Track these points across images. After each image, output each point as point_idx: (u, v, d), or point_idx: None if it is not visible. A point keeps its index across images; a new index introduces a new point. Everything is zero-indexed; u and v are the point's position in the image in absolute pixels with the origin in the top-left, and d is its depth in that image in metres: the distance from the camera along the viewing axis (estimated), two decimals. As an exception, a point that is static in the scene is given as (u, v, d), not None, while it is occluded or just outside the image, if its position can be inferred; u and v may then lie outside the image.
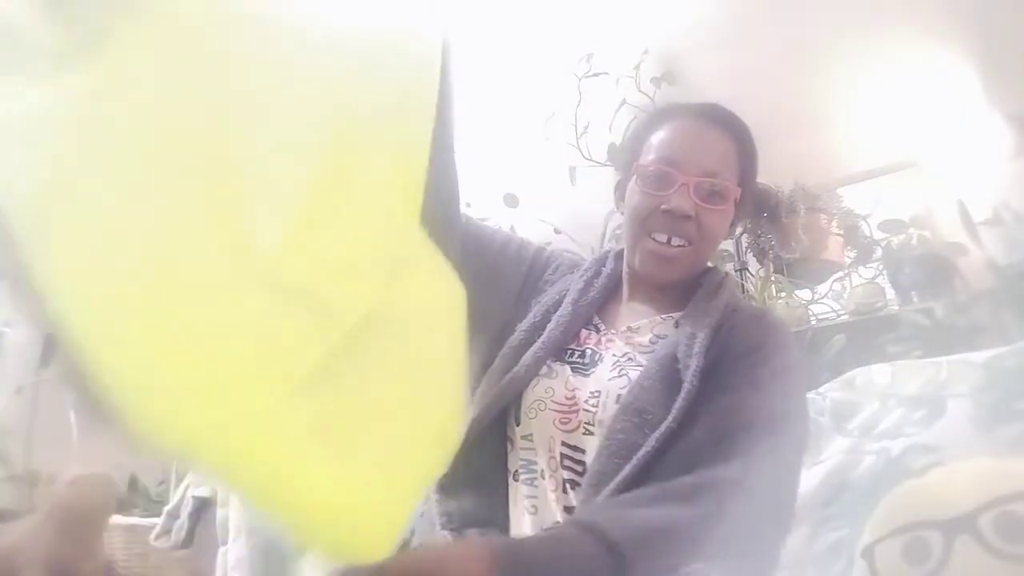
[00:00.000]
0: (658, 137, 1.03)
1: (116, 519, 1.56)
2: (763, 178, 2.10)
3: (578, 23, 2.42)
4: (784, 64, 2.25)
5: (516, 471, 0.94)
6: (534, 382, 0.96)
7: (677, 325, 0.99)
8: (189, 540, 1.10)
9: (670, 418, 0.85)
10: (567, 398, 0.93)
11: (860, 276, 2.17)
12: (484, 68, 2.54)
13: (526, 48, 2.50)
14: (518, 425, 0.95)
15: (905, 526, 0.89)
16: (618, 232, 2.37)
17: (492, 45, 2.53)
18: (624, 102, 2.30)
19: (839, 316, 2.08)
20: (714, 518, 0.78)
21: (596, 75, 2.30)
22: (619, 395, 0.91)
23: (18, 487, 1.78)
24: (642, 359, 0.95)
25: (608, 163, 2.31)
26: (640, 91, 2.29)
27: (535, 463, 0.92)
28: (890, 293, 2.05)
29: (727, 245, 2.24)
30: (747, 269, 2.20)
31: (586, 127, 2.36)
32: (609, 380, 0.93)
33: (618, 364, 0.96)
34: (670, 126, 1.03)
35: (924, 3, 2.04)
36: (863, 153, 2.30)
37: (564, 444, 0.91)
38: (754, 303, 2.10)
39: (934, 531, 0.85)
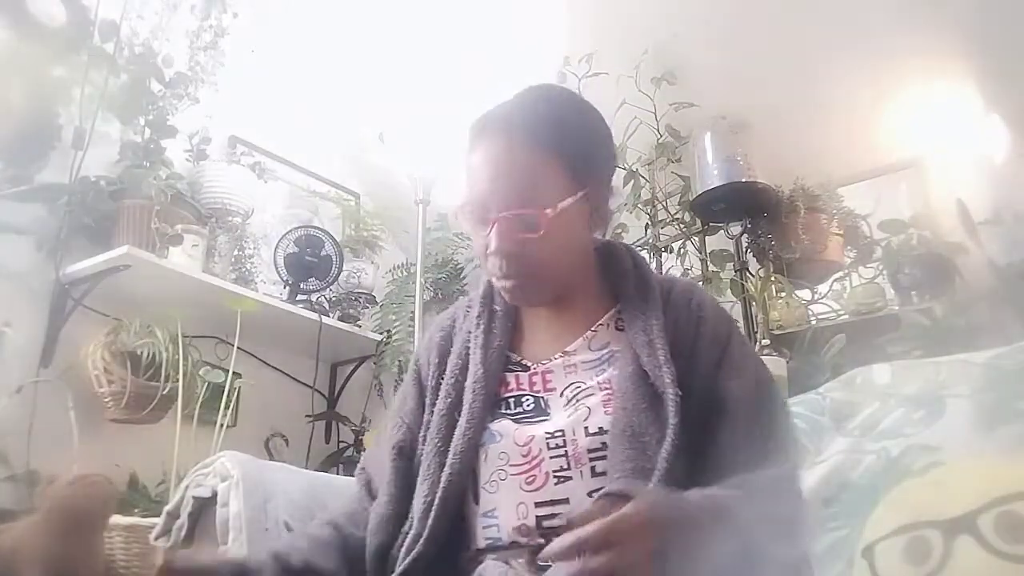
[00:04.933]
0: (469, 167, 0.94)
1: (116, 519, 1.56)
2: (763, 178, 2.13)
3: (578, 23, 2.42)
4: (784, 64, 2.25)
5: (484, 548, 0.87)
6: (482, 454, 0.88)
7: (618, 327, 0.95)
8: (189, 540, 1.10)
9: (671, 434, 0.81)
10: (524, 456, 0.86)
11: (860, 276, 2.17)
12: (485, 67, 2.54)
13: (526, 48, 2.50)
14: (477, 503, 0.88)
15: (905, 526, 0.89)
16: (617, 231, 2.37)
17: (493, 45, 2.53)
18: (624, 102, 2.30)
19: (839, 316, 2.08)
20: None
21: (596, 75, 2.29)
22: (586, 427, 0.85)
23: (18, 487, 1.77)
24: (592, 380, 0.90)
25: (608, 163, 2.31)
26: (640, 91, 2.29)
27: (500, 539, 0.85)
28: (890, 293, 2.05)
29: (727, 245, 2.24)
30: (747, 269, 2.20)
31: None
32: (569, 417, 0.87)
33: (571, 401, 0.89)
34: (474, 153, 0.93)
35: (924, 4, 2.04)
36: (863, 153, 2.30)
37: (537, 504, 0.84)
38: (754, 303, 2.11)
39: (934, 531, 0.85)
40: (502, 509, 0.86)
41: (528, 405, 0.92)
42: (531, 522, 0.84)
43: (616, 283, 0.99)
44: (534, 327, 1.00)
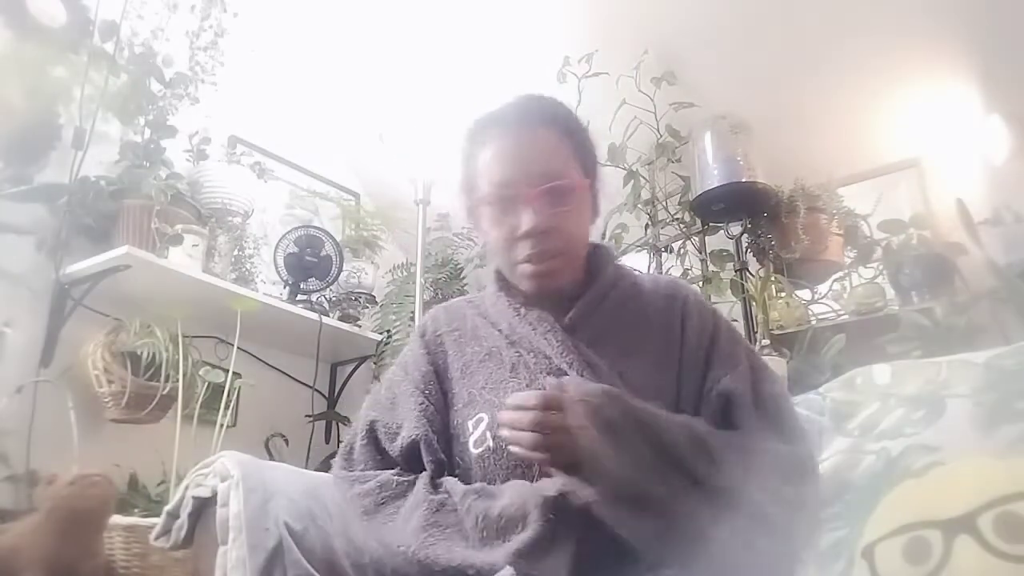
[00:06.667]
0: (484, 159, 0.98)
1: (116, 519, 1.56)
2: (763, 178, 2.13)
3: (578, 23, 2.42)
4: (784, 64, 2.25)
5: None
6: None
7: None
8: (189, 540, 1.10)
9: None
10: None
11: (860, 276, 2.17)
12: (484, 67, 2.54)
13: (526, 48, 2.50)
14: None
15: (905, 526, 0.89)
16: (617, 231, 2.37)
17: (493, 45, 2.53)
18: (624, 102, 2.30)
19: (839, 316, 2.08)
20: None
21: (596, 75, 2.29)
22: None
23: (18, 487, 1.77)
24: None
25: (608, 163, 2.31)
26: (640, 91, 2.29)
27: None
28: (890, 293, 2.04)
29: (727, 245, 2.24)
30: (747, 269, 2.20)
31: (586, 127, 2.36)
32: None
33: None
34: (490, 143, 0.98)
35: (924, 3, 2.04)
36: (863, 153, 2.30)
37: None
38: (754, 303, 2.10)
39: (934, 531, 0.85)
40: None
41: None
42: None
43: (590, 281, 1.03)
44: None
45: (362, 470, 0.98)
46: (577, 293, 1.00)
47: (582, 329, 0.98)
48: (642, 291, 1.02)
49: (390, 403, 1.04)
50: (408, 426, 0.98)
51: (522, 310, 1.00)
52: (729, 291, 2.17)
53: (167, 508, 1.12)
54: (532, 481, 0.88)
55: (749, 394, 0.90)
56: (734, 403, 0.89)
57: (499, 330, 1.02)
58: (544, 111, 1.00)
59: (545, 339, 0.96)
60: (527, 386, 0.94)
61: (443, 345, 1.05)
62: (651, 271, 2.27)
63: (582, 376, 0.91)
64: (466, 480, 0.93)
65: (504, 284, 1.05)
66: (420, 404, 1.00)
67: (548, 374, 0.93)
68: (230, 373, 1.99)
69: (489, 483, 0.91)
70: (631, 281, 1.04)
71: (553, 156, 0.96)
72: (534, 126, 0.98)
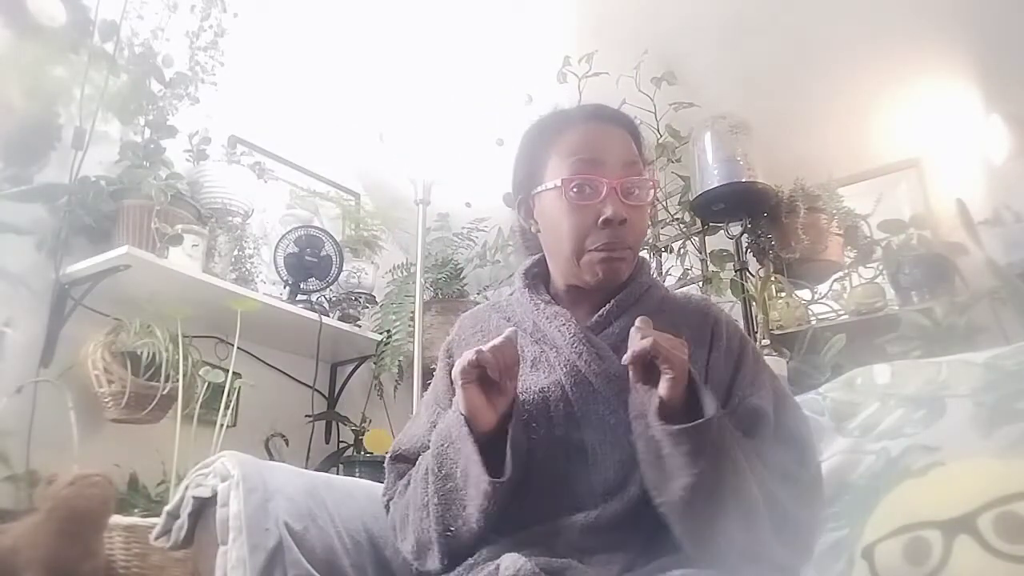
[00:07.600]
0: (565, 146, 0.99)
1: (116, 519, 1.56)
2: (763, 178, 2.13)
3: (578, 23, 2.42)
4: (784, 64, 2.25)
5: None
6: None
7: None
8: (189, 540, 1.10)
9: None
10: None
11: (860, 276, 2.17)
12: (485, 67, 2.54)
13: (527, 48, 2.50)
14: None
15: (905, 526, 0.89)
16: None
17: (493, 45, 2.53)
18: (624, 102, 2.30)
19: (839, 316, 2.08)
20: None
21: (596, 75, 2.29)
22: None
23: (18, 487, 1.77)
24: None
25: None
26: (640, 91, 2.29)
27: None
28: (890, 293, 2.04)
29: (727, 245, 2.24)
30: (747, 269, 2.20)
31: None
32: None
33: None
34: (572, 132, 1.00)
35: (924, 3, 2.04)
36: (863, 153, 2.30)
37: None
38: (754, 303, 2.11)
39: (934, 531, 0.85)
40: None
41: None
42: None
43: (623, 286, 1.04)
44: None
45: (392, 482, 1.08)
46: (609, 296, 1.02)
47: (608, 329, 1.00)
48: (674, 304, 1.05)
49: (413, 419, 1.14)
50: (406, 440, 1.09)
51: (542, 306, 1.02)
52: (729, 291, 2.17)
53: (167, 508, 1.12)
54: (542, 471, 0.91)
55: (771, 418, 0.92)
56: (758, 422, 0.91)
57: (523, 329, 1.04)
58: (617, 114, 1.05)
59: (560, 332, 0.98)
60: (545, 379, 0.96)
61: (469, 347, 1.07)
62: (652, 272, 2.28)
63: (592, 368, 0.93)
64: None
65: (532, 283, 1.07)
66: (425, 416, 1.08)
67: (564, 367, 0.95)
68: (230, 373, 1.99)
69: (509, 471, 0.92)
70: (663, 293, 1.07)
71: (633, 151, 1.01)
72: (614, 123, 1.03)
